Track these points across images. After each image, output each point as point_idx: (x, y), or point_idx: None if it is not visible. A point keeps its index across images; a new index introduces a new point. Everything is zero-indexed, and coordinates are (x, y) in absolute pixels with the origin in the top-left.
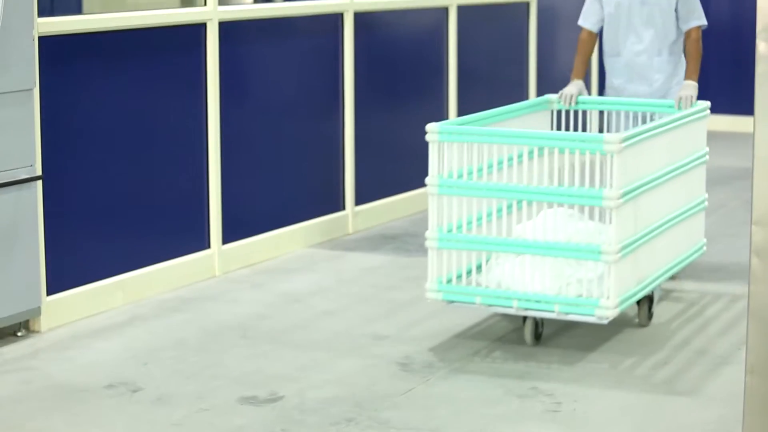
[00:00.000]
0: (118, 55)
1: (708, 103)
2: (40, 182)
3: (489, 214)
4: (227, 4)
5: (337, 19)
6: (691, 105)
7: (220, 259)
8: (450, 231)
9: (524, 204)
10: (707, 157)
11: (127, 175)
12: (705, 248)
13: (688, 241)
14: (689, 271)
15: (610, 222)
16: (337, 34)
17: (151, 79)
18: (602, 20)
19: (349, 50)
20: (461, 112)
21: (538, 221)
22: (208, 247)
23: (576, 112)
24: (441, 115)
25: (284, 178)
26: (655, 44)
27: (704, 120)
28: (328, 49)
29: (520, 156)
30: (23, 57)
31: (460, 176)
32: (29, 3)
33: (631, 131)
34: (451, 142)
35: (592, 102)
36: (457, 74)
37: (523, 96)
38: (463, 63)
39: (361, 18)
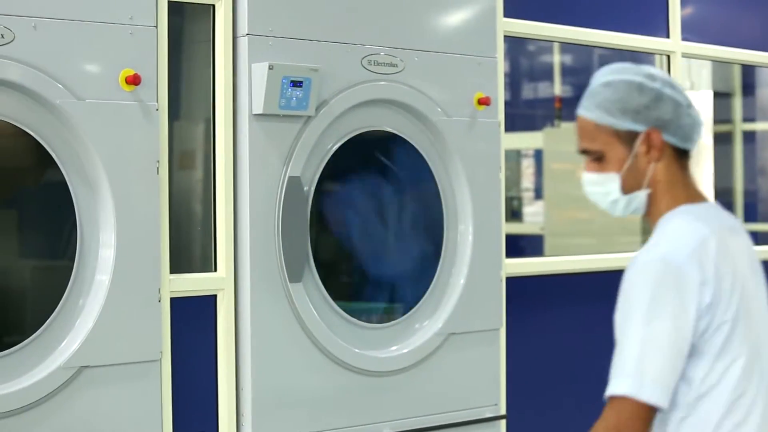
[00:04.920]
0: (581, 296)
1: None
2: (504, 421)
3: None
4: None
5: None
6: None
7: None
8: None
9: None
10: None
11: (589, 420)
12: None
13: None
14: None
15: None
16: None
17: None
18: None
19: None
20: None
21: None
22: None
23: None
24: None
25: None
26: None
27: None
28: None
29: None
30: (491, 297)
31: None
32: (498, 244)
33: None
34: None
35: None
36: None
37: None
38: None
39: None
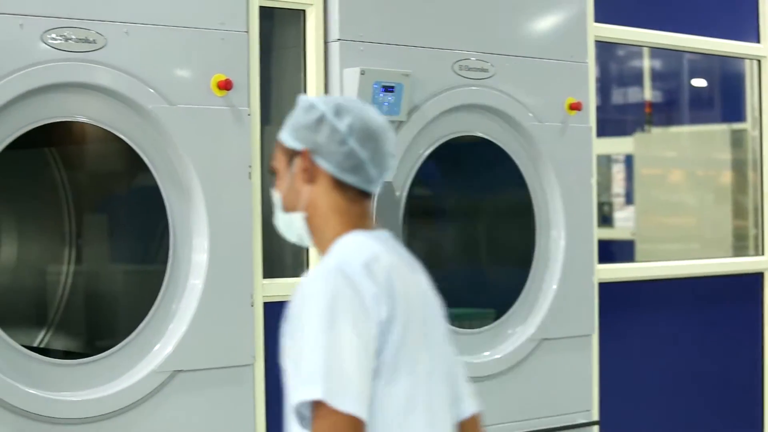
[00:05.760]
0: (672, 302)
1: None
2: (596, 427)
3: None
4: None
5: None
6: None
7: None
8: None
9: None
10: None
11: (681, 426)
12: None
13: None
14: None
15: None
16: None
17: (705, 328)
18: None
19: None
20: None
21: None
22: None
23: None
24: None
25: None
26: None
27: None
28: None
29: None
30: (583, 303)
31: None
32: (590, 249)
33: None
34: None
35: None
36: None
37: None
38: None
39: None
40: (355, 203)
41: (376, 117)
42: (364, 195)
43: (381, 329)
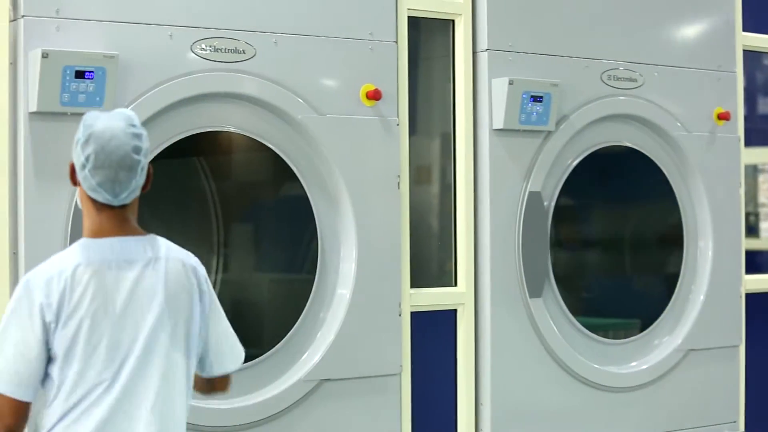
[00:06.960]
0: None
1: None
2: None
3: None
4: None
5: None
6: None
7: None
8: None
9: None
10: None
11: None
12: None
13: None
14: None
15: None
16: None
17: None
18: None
19: None
20: None
21: None
22: None
23: None
24: None
25: None
26: None
27: None
28: None
29: None
30: (731, 313)
31: None
32: (737, 260)
33: None
34: None
35: None
36: None
37: None
38: None
39: None
40: (101, 212)
41: (119, 146)
42: (105, 207)
43: (48, 329)
